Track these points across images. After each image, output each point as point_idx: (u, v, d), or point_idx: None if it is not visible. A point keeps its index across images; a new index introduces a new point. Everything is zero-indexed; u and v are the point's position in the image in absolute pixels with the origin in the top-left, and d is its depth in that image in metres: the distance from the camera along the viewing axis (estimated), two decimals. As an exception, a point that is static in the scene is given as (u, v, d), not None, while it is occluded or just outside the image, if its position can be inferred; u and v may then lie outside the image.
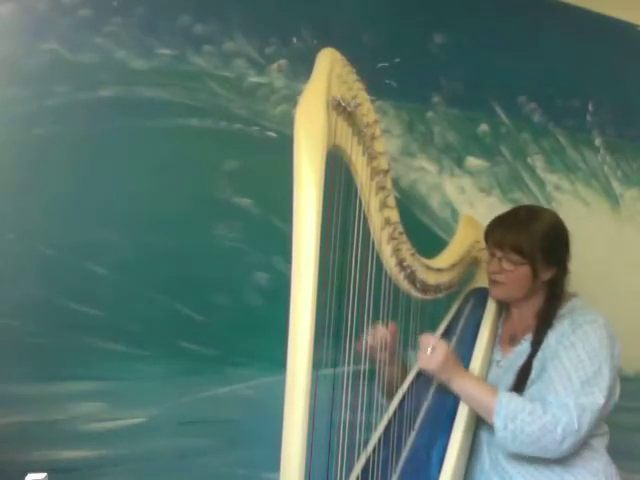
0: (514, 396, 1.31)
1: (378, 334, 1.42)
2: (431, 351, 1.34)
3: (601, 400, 1.29)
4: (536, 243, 1.41)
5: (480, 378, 1.40)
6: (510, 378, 1.40)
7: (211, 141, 1.76)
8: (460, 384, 1.35)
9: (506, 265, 1.44)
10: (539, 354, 1.39)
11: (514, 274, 1.44)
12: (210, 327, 1.73)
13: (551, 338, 1.39)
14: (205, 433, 1.73)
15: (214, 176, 1.75)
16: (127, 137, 1.66)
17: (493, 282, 1.49)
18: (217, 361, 1.74)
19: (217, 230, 1.75)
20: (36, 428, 1.56)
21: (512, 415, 1.27)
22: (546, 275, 1.44)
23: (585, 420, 1.27)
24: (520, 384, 1.38)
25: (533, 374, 1.37)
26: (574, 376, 1.30)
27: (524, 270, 1.42)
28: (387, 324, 1.41)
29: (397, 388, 1.49)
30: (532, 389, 1.35)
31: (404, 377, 1.51)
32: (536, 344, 1.40)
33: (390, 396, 1.49)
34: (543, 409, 1.27)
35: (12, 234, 1.55)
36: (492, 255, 1.48)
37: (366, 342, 1.38)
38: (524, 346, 1.45)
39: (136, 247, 1.66)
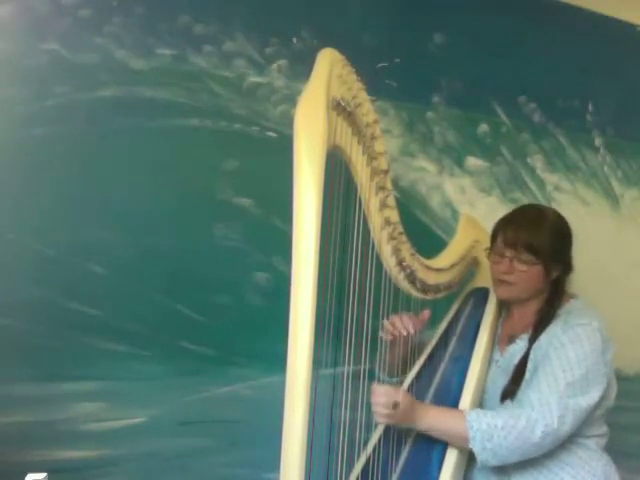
0: (481, 414, 1.29)
1: (399, 323, 1.41)
2: (386, 404, 1.26)
3: (584, 403, 1.29)
4: (548, 242, 1.40)
5: (442, 408, 1.35)
6: (507, 378, 1.40)
7: (211, 141, 1.76)
8: (426, 424, 1.30)
9: (518, 265, 1.42)
10: (531, 355, 1.39)
11: (527, 274, 1.42)
12: (210, 327, 1.73)
13: (543, 339, 1.39)
14: (205, 433, 1.73)
15: (214, 176, 1.75)
16: (127, 137, 1.66)
17: (501, 282, 1.47)
18: (217, 361, 1.74)
19: (217, 230, 1.75)
20: (36, 428, 1.56)
21: (487, 436, 1.26)
22: (554, 273, 1.44)
23: (567, 420, 1.27)
24: (515, 382, 1.38)
25: (527, 375, 1.37)
26: (560, 376, 1.30)
27: (537, 270, 1.41)
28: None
29: (398, 370, 1.48)
30: (524, 390, 1.35)
31: (405, 364, 1.51)
32: (530, 344, 1.40)
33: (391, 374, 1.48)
34: (514, 417, 1.27)
35: (12, 234, 1.55)
36: (501, 255, 1.45)
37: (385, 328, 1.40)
38: (520, 345, 1.45)
39: (136, 247, 1.66)
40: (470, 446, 1.27)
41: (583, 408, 1.29)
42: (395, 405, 1.26)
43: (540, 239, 1.40)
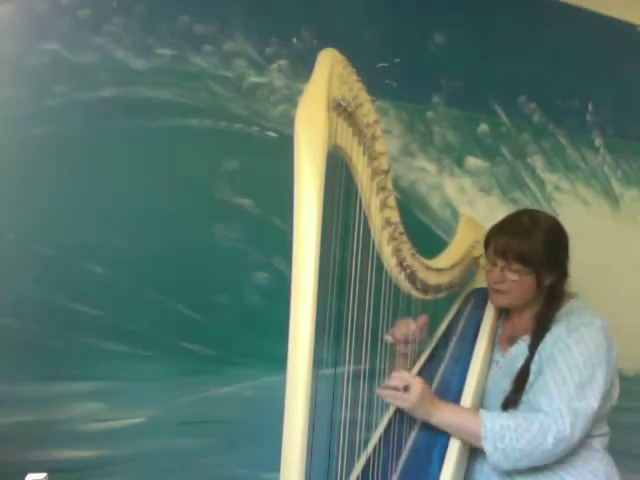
0: (496, 415, 1.30)
1: (405, 329, 1.43)
2: (406, 389, 1.30)
3: (594, 405, 1.29)
4: (540, 252, 1.39)
5: (458, 405, 1.37)
6: (508, 380, 1.40)
7: (211, 141, 1.75)
8: (440, 417, 1.32)
9: (510, 275, 1.42)
10: (536, 357, 1.39)
11: (518, 284, 1.42)
12: (210, 327, 1.72)
13: (548, 341, 1.39)
14: (205, 433, 1.73)
15: (214, 176, 1.75)
16: (127, 137, 1.66)
17: (495, 291, 1.47)
18: (217, 361, 1.74)
19: (217, 230, 1.75)
20: (36, 428, 1.56)
21: (499, 436, 1.27)
22: (548, 281, 1.43)
23: (578, 426, 1.27)
24: (518, 389, 1.37)
25: (531, 377, 1.37)
26: (569, 379, 1.30)
27: (529, 279, 1.41)
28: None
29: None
30: (530, 394, 1.35)
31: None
32: (532, 347, 1.40)
33: None
34: (528, 421, 1.27)
35: (12, 234, 1.55)
36: (493, 264, 1.45)
37: (392, 335, 1.42)
38: (521, 347, 1.44)
39: (136, 247, 1.65)
40: (482, 445, 1.28)
41: (594, 409, 1.29)
42: (406, 388, 1.29)
43: (531, 249, 1.39)
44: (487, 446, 1.27)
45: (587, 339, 1.33)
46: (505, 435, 1.26)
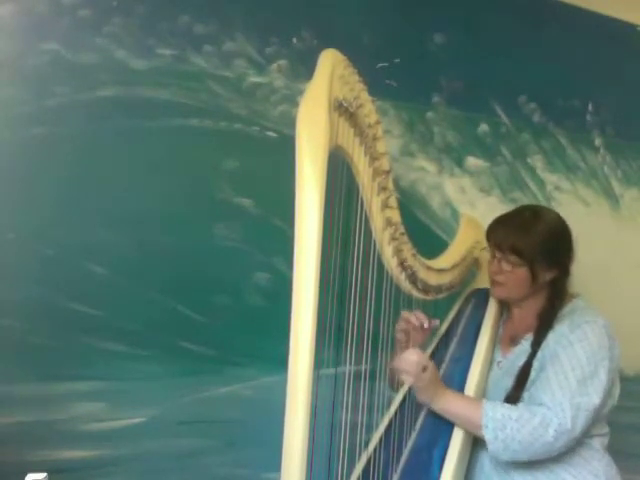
0: (498, 405, 1.31)
1: (414, 318, 1.43)
2: (418, 363, 1.29)
3: (596, 400, 1.29)
4: (536, 246, 1.40)
5: (461, 393, 1.38)
6: (509, 379, 1.40)
7: (211, 141, 1.75)
8: (442, 403, 1.33)
9: (505, 266, 1.44)
10: (538, 354, 1.39)
11: (513, 275, 1.43)
12: (210, 327, 1.72)
13: (550, 339, 1.39)
14: (205, 433, 1.73)
15: (214, 176, 1.75)
16: (127, 137, 1.66)
17: (494, 282, 1.49)
18: (217, 361, 1.73)
19: (217, 230, 1.75)
20: (36, 428, 1.56)
21: (500, 425, 1.27)
22: (546, 276, 1.44)
23: (579, 420, 1.27)
24: (519, 385, 1.38)
25: (533, 374, 1.38)
26: (571, 375, 1.30)
27: (522, 272, 1.42)
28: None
29: (398, 385, 1.48)
30: (532, 390, 1.36)
31: None
32: (536, 345, 1.41)
33: (392, 386, 1.49)
34: (530, 412, 1.27)
35: (12, 234, 1.55)
36: (493, 255, 1.48)
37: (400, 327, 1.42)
38: (524, 346, 1.45)
39: (136, 247, 1.65)
40: (482, 433, 1.28)
41: (595, 404, 1.29)
42: (424, 368, 1.29)
43: (526, 241, 1.40)
44: (487, 435, 1.28)
45: (590, 336, 1.34)
46: (506, 425, 1.26)
